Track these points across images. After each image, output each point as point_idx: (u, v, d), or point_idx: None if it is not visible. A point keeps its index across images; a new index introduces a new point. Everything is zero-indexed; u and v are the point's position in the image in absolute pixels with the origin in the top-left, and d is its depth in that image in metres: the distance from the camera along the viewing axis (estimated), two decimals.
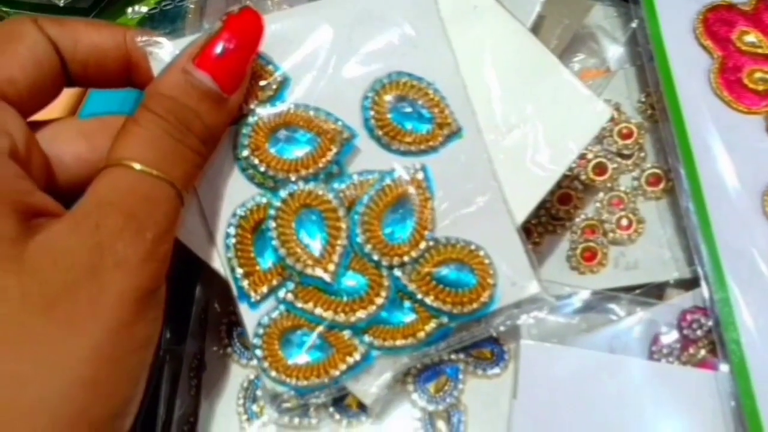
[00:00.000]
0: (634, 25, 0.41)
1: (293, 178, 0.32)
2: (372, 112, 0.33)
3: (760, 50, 0.39)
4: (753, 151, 0.37)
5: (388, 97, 0.33)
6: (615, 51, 0.43)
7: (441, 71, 0.34)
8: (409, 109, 0.33)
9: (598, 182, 0.41)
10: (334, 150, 0.32)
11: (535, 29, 0.41)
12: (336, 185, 0.32)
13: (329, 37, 0.33)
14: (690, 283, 0.37)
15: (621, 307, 0.37)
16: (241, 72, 0.30)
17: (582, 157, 0.41)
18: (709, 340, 0.35)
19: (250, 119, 0.32)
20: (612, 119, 0.41)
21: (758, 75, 0.38)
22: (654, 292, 0.38)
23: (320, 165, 0.32)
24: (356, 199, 0.32)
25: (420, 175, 0.33)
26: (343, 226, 0.32)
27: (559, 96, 0.34)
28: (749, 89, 0.38)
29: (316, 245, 0.32)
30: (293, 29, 0.33)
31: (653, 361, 0.35)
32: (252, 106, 0.32)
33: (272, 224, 0.32)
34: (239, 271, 0.32)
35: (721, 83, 0.38)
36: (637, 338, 0.36)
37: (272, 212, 0.32)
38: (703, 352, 0.36)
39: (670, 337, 0.36)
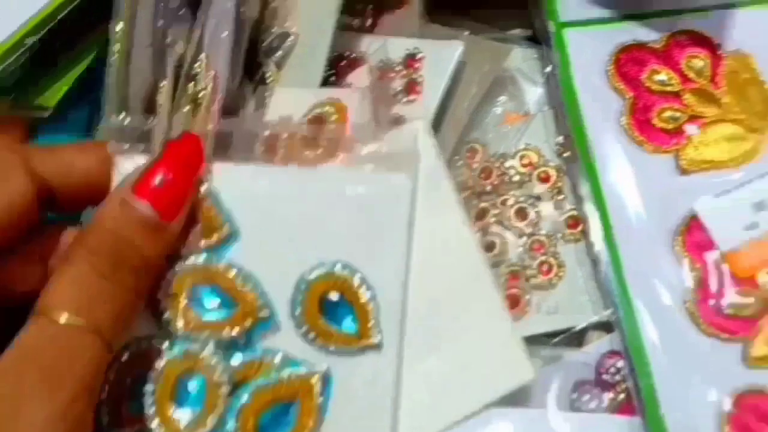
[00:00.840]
0: (547, 69, 0.41)
1: (195, 337, 0.31)
2: (301, 297, 0.32)
3: (669, 88, 0.38)
4: (664, 190, 0.36)
5: (324, 287, 0.32)
6: (534, 93, 0.43)
7: (388, 281, 0.33)
8: (339, 306, 0.32)
9: (519, 227, 0.40)
10: (247, 324, 0.31)
11: (457, 76, 0.42)
12: (234, 358, 0.31)
13: (295, 207, 0.33)
14: (611, 326, 0.37)
15: (541, 357, 0.37)
16: (181, 198, 0.30)
17: (503, 203, 0.41)
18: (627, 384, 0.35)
19: (178, 266, 0.31)
20: (530, 164, 0.41)
21: (668, 113, 0.38)
22: (576, 336, 0.38)
23: (228, 333, 0.31)
24: (248, 379, 0.31)
25: (318, 386, 0.31)
26: (221, 405, 0.30)
27: (489, 339, 0.33)
28: (658, 128, 0.38)
29: (185, 414, 0.30)
30: (263, 187, 0.33)
31: (572, 412, 0.35)
32: (187, 252, 0.32)
33: (150, 387, 0.30)
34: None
35: (632, 124, 0.38)
36: (558, 387, 0.36)
37: (158, 365, 0.31)
38: (622, 396, 0.35)
39: (589, 384, 0.36)
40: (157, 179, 0.30)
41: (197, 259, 0.32)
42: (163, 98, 0.41)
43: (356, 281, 0.32)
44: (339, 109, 0.38)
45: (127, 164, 0.32)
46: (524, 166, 0.41)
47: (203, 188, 0.32)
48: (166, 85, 0.41)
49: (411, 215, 0.33)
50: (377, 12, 0.47)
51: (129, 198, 0.29)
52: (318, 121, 0.38)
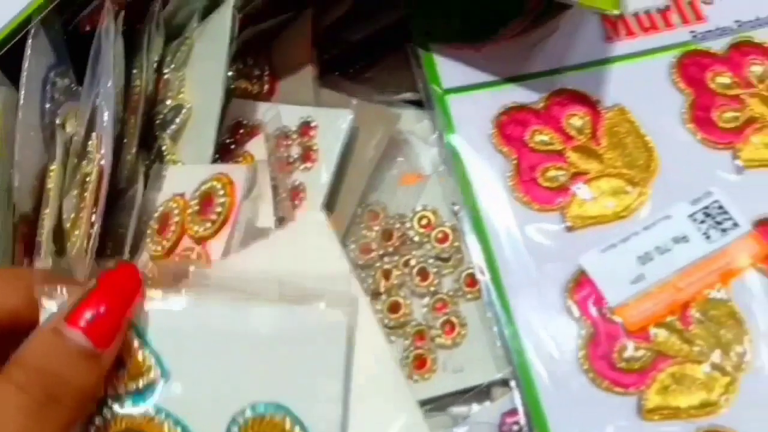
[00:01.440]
0: (434, 136, 0.43)
1: None
2: None
3: (552, 147, 0.40)
4: (552, 247, 0.38)
5: (256, 430, 0.31)
6: (428, 154, 0.44)
7: (324, 421, 0.31)
8: None
9: (421, 288, 0.41)
10: None
11: (351, 142, 0.42)
12: None
13: (226, 346, 0.31)
14: None
15: (451, 415, 0.38)
16: (115, 327, 0.30)
17: (405, 264, 0.41)
18: None
19: (105, 412, 0.30)
20: (429, 225, 0.42)
21: (552, 172, 0.39)
22: (484, 392, 0.39)
23: None
24: None
25: None
26: None
27: None
28: (544, 187, 0.39)
29: None
30: (193, 325, 0.32)
31: None
32: (113, 398, 0.30)
33: None
34: None
35: (518, 184, 0.39)
36: None
37: None
38: None
39: None
40: (91, 311, 0.29)
41: (122, 406, 0.30)
42: (52, 182, 0.40)
43: (288, 423, 0.31)
44: (226, 185, 0.38)
45: (53, 299, 0.30)
46: (423, 227, 0.42)
47: (131, 329, 0.31)
48: (55, 168, 0.41)
49: (348, 353, 0.32)
50: (273, 78, 0.47)
51: (61, 328, 0.28)
52: (207, 197, 0.38)
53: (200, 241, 0.38)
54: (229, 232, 0.37)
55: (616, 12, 0.37)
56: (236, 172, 0.38)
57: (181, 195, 0.39)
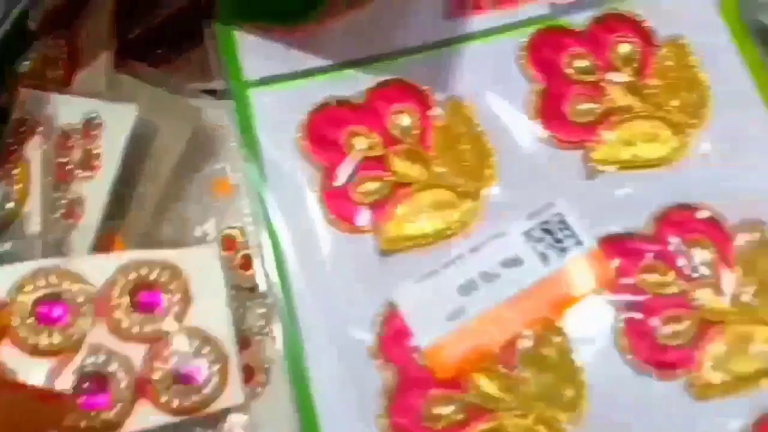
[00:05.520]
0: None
1: None
2: None
3: (371, 152, 0.34)
4: (362, 274, 0.32)
5: None
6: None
7: None
8: None
9: None
10: None
11: (147, 140, 0.36)
12: None
13: None
14: None
15: None
16: None
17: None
18: None
19: None
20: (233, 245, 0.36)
21: (368, 185, 0.33)
22: None
23: None
24: None
25: None
26: None
27: None
28: (357, 203, 0.33)
29: None
30: None
31: None
32: None
33: None
34: None
35: (325, 198, 0.33)
36: None
37: None
38: None
39: None
40: None
41: None
42: None
43: None
44: None
45: None
46: (224, 249, 0.35)
47: None
48: None
49: None
50: (70, 63, 0.40)
51: None
52: None
53: None
54: None
55: None
56: None
57: None
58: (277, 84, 0.35)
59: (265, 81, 0.35)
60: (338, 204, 0.33)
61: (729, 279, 0.31)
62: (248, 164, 0.34)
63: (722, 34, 0.36)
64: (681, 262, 0.31)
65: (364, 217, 0.32)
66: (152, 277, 0.32)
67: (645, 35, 0.36)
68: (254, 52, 0.35)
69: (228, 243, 0.35)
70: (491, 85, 0.35)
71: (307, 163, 0.33)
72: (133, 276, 0.32)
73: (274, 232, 0.32)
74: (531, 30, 0.37)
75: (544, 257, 0.31)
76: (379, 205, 0.33)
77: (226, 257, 0.35)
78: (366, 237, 0.32)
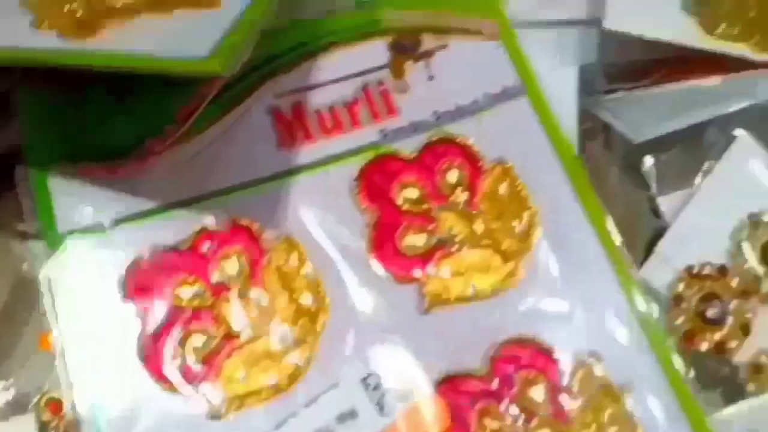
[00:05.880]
0: None
1: None
2: None
3: (200, 302, 0.32)
4: None
5: None
6: None
7: None
8: None
9: None
10: None
11: None
12: None
13: None
14: None
15: None
16: None
17: None
18: None
19: None
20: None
21: (196, 339, 0.31)
22: None
23: None
24: None
25: None
26: None
27: None
28: (182, 362, 0.31)
29: None
30: None
31: None
32: None
33: None
34: None
35: (150, 361, 0.31)
36: None
37: None
38: None
39: None
40: None
41: None
42: None
43: None
44: None
45: None
46: (52, 413, 0.33)
47: None
48: None
49: None
50: None
51: None
52: None
53: None
54: None
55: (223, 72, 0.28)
56: None
57: None
58: (94, 234, 0.33)
59: (82, 230, 0.33)
60: (162, 365, 0.31)
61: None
62: (62, 326, 0.31)
63: (548, 156, 0.37)
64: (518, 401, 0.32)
65: (193, 377, 0.31)
66: None
67: (473, 159, 0.37)
68: (70, 196, 0.33)
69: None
70: (325, 221, 0.34)
71: (133, 317, 0.31)
72: None
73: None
74: (362, 159, 0.36)
75: (380, 407, 0.31)
76: (207, 362, 0.31)
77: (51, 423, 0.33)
78: (195, 401, 0.30)
